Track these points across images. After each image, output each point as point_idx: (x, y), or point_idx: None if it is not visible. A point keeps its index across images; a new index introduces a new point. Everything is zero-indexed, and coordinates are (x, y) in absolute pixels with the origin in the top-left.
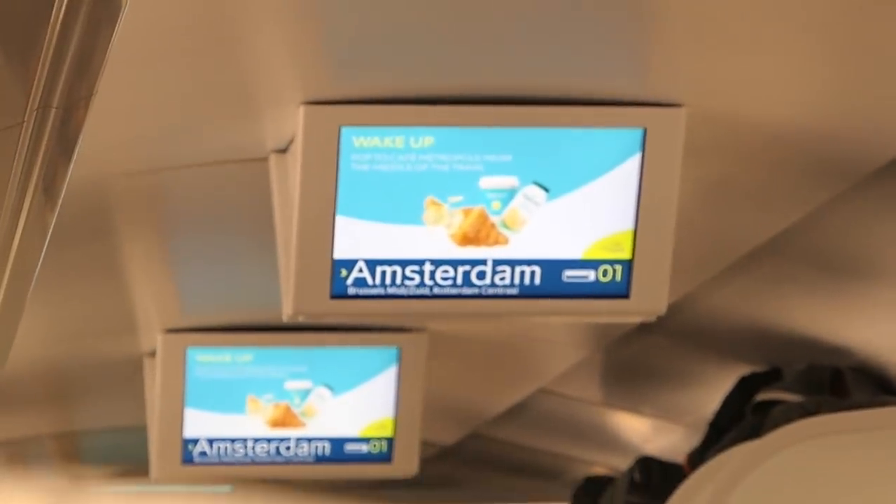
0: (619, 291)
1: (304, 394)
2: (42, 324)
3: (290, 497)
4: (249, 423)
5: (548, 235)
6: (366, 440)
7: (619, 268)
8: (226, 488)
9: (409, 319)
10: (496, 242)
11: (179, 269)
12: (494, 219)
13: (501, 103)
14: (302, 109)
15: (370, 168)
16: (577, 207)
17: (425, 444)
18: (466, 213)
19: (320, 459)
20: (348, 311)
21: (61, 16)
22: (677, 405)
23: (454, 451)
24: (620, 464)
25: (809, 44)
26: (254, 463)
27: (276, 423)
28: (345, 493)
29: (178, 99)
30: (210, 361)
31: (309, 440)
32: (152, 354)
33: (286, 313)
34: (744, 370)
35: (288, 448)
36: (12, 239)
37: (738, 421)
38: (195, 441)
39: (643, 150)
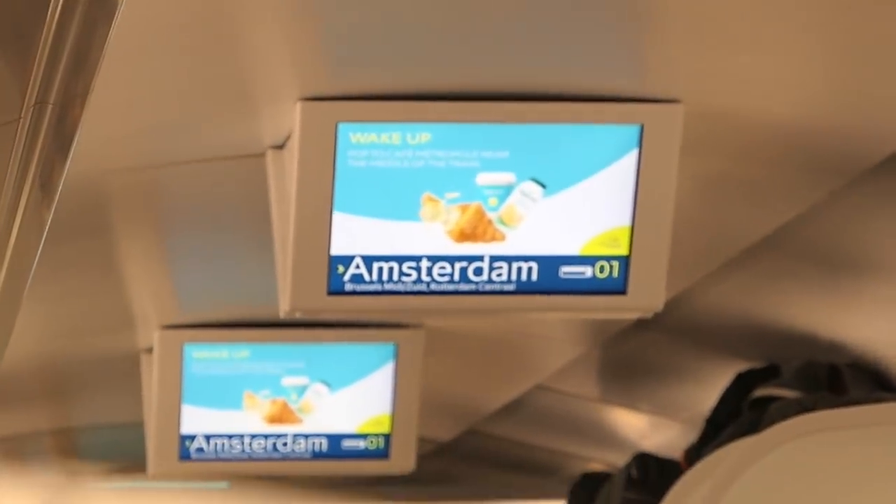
0: (616, 288)
1: (301, 390)
2: (39, 320)
3: (287, 493)
4: (246, 420)
5: (545, 232)
6: (363, 436)
7: (616, 264)
8: (223, 484)
9: (406, 316)
10: (493, 239)
11: (176, 266)
12: (491, 215)
13: (498, 99)
14: (299, 105)
15: (367, 164)
16: (574, 203)
17: (422, 441)
18: (463, 209)
19: (317, 456)
20: (345, 308)
21: (58, 13)
22: (674, 401)
23: (451, 447)
24: (617, 460)
25: (807, 41)
26: (251, 459)
27: (273, 420)
28: (342, 489)
29: (174, 95)
30: (207, 358)
31: (306, 436)
32: (149, 351)
33: (283, 310)
34: (741, 366)
35: (285, 444)
36: (9, 235)
37: (736, 417)
38: (192, 437)
39: (640, 147)
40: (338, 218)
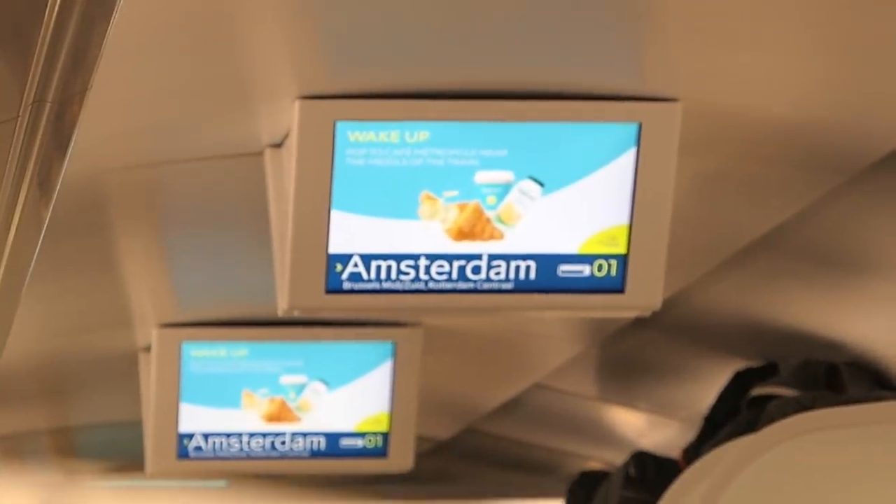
0: (615, 286)
1: (300, 388)
2: (37, 319)
3: (285, 492)
4: (244, 418)
5: (543, 230)
6: (361, 435)
7: (614, 262)
8: (221, 483)
9: (404, 314)
10: (491, 237)
11: (174, 264)
12: (490, 213)
13: (497, 98)
14: (297, 104)
15: (365, 162)
16: (573, 202)
17: (420, 439)
18: (462, 207)
19: (315, 454)
20: (343, 306)
21: (56, 11)
22: (672, 400)
23: (449, 445)
24: (616, 459)
25: (805, 39)
26: (249, 458)
27: (272, 418)
28: (340, 487)
29: (172, 94)
30: (205, 356)
31: (304, 435)
32: (147, 349)
33: (281, 308)
34: (739, 365)
35: (283, 443)
36: (7, 234)
37: (734, 416)
38: (190, 436)
39: (638, 145)
40: (336, 216)
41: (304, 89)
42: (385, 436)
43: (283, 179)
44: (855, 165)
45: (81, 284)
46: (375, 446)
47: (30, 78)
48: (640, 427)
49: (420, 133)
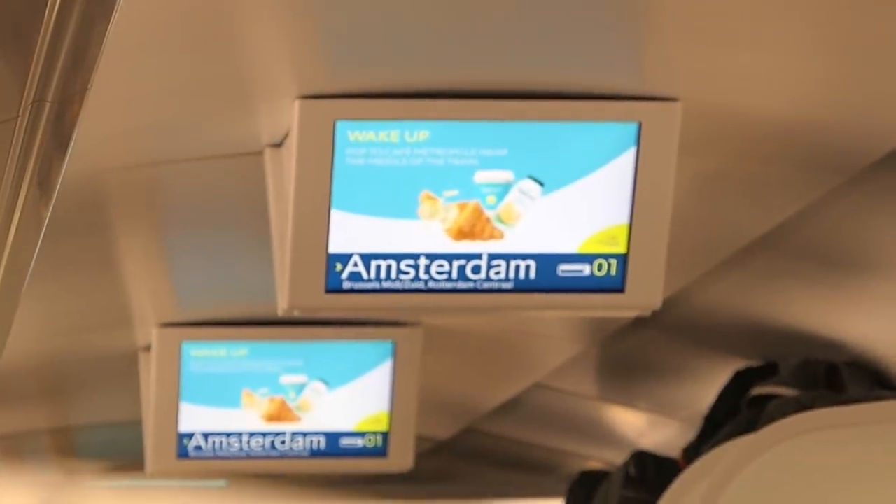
0: (615, 286)
1: (300, 388)
2: (37, 318)
3: (285, 491)
4: (244, 418)
5: (543, 230)
6: (361, 434)
7: (614, 262)
8: (221, 483)
9: (404, 314)
10: (491, 237)
11: (174, 264)
12: (489, 213)
13: (497, 97)
14: (297, 103)
15: (365, 162)
16: (573, 201)
17: (420, 439)
18: (461, 207)
19: (315, 454)
20: (343, 306)
21: (56, 10)
22: (672, 400)
23: (449, 445)
24: (616, 458)
25: (804, 38)
26: (249, 457)
27: (272, 418)
28: (340, 487)
29: (172, 93)
30: (205, 356)
31: (304, 434)
32: (147, 349)
33: (281, 308)
34: (739, 365)
35: (283, 442)
36: (7, 233)
37: (734, 415)
38: (190, 435)
39: (638, 144)
40: (336, 216)
41: (304, 89)
42: (385, 435)
43: (283, 179)
44: (855, 165)
45: (81, 284)
46: (375, 446)
47: (30, 77)
48: (640, 427)
49: (420, 133)
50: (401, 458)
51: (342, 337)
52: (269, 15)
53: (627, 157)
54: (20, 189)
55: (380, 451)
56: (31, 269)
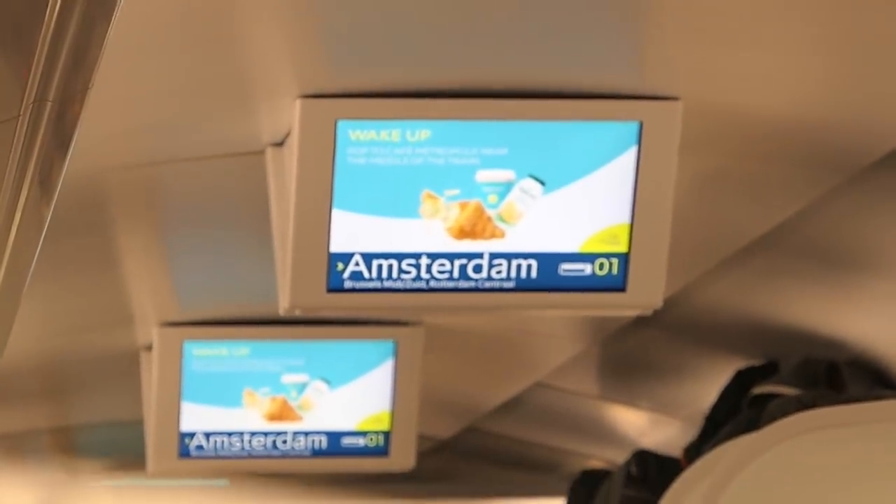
0: (616, 285)
1: (301, 387)
2: (38, 318)
3: (286, 491)
4: (246, 417)
5: (544, 229)
6: (363, 434)
7: (615, 261)
8: (222, 482)
9: (405, 313)
10: (493, 236)
11: (176, 263)
12: (491, 212)
13: (498, 97)
14: (298, 103)
15: (366, 161)
16: (574, 201)
17: (422, 438)
18: (463, 206)
19: (317, 453)
20: (345, 305)
21: (57, 10)
22: (674, 399)
23: (451, 444)
24: (617, 457)
25: (805, 37)
26: (250, 457)
27: (273, 417)
28: (342, 486)
29: (174, 92)
30: (206, 355)
31: (306, 434)
32: (149, 348)
33: (283, 307)
34: (740, 364)
35: (285, 442)
36: (8, 233)
37: (735, 414)
38: (192, 435)
39: (639, 144)
40: (337, 215)
41: (305, 88)
42: (386, 434)
43: (284, 178)
44: (855, 164)
45: (83, 283)
46: (377, 445)
47: (31, 77)
48: (641, 426)
49: (421, 132)
50: (402, 458)
51: (343, 336)
52: (269, 14)
53: (628, 157)
54: (21, 188)
55: (381, 451)
56: (32, 268)
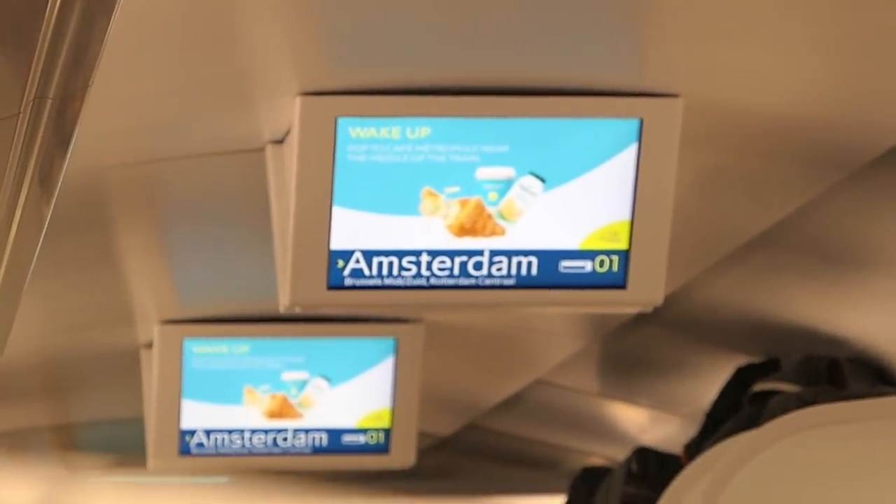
0: (616, 282)
1: (301, 385)
2: (39, 315)
3: (287, 488)
4: (246, 414)
5: (545, 226)
6: (363, 431)
7: (615, 258)
8: (223, 479)
9: (405, 310)
10: (493, 233)
11: (176, 261)
12: (491, 209)
13: (498, 94)
14: (298, 100)
15: (367, 159)
16: (574, 198)
17: (422, 435)
18: (463, 203)
19: (317, 450)
20: (345, 302)
21: (57, 7)
22: (674, 396)
23: (451, 441)
24: (617, 454)
25: (805, 35)
26: (251, 454)
27: (274, 415)
28: (342, 483)
29: (174, 90)
30: (207, 352)
31: (306, 431)
32: (149, 346)
33: (283, 304)
34: (741, 361)
35: (285, 439)
36: (9, 230)
37: (736, 411)
38: (192, 432)
39: (640, 141)
40: (337, 212)
41: (305, 86)
42: (387, 432)
43: (284, 176)
44: (855, 161)
45: (83, 281)
46: (377, 442)
47: (31, 74)
48: (641, 423)
49: (421, 129)
50: (403, 455)
51: (344, 333)
52: (270, 12)
53: (629, 154)
54: (21, 186)
55: (382, 448)
56: (32, 266)
